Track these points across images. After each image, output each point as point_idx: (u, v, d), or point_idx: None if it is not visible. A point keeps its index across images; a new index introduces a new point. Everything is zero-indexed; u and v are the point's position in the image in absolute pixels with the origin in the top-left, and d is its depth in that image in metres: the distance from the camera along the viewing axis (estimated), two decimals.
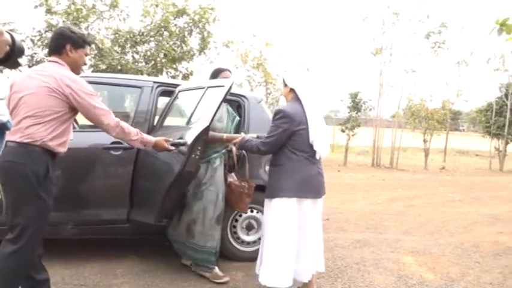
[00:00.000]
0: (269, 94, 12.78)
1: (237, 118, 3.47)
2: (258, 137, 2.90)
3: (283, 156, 2.66)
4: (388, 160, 13.71)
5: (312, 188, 2.65)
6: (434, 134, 14.09)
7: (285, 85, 2.80)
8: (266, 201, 2.76)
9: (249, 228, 3.60)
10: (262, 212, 3.39)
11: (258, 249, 3.09)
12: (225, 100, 3.06)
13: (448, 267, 3.79)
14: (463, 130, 50.64)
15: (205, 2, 10.78)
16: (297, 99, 2.72)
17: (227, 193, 3.21)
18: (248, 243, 3.60)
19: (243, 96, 3.85)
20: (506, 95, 15.26)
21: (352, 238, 4.51)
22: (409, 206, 6.68)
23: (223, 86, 3.05)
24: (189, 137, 2.89)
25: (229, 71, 3.43)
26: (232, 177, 3.28)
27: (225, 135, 3.11)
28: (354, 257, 3.91)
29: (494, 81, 16.02)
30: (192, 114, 3.20)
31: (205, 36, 10.94)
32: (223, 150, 3.26)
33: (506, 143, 15.26)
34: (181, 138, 2.96)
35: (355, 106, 13.48)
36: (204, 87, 3.27)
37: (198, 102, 3.19)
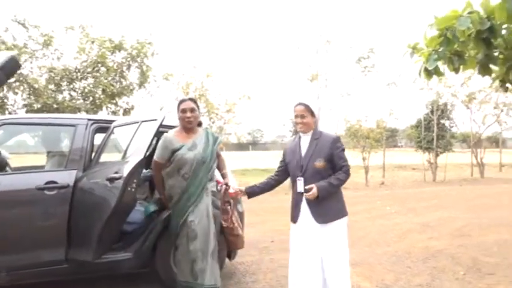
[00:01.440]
0: (213, 123, 12.97)
1: (219, 139, 3.45)
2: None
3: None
4: None
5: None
6: (372, 152, 14.92)
7: (313, 115, 2.94)
8: (340, 221, 2.82)
9: None
10: None
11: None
12: (158, 133, 3.18)
13: (383, 274, 4.07)
14: (401, 146, 53.82)
15: (143, 37, 10.93)
16: (315, 126, 2.97)
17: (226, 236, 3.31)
18: None
19: (174, 127, 3.97)
20: (432, 111, 16.57)
21: None
22: (350, 222, 6.99)
23: (156, 119, 3.17)
24: (125, 171, 2.96)
25: (189, 100, 3.36)
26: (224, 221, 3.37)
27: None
28: None
29: (422, 100, 17.43)
30: (127, 149, 3.28)
31: (144, 70, 11.02)
32: (211, 186, 3.25)
33: (436, 156, 16.47)
34: (117, 172, 3.03)
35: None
36: (138, 122, 3.38)
37: (133, 137, 3.28)
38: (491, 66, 3.64)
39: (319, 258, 2.78)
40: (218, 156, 3.40)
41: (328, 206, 2.81)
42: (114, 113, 10.98)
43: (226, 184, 3.28)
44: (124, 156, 3.23)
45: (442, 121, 16.94)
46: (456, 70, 3.71)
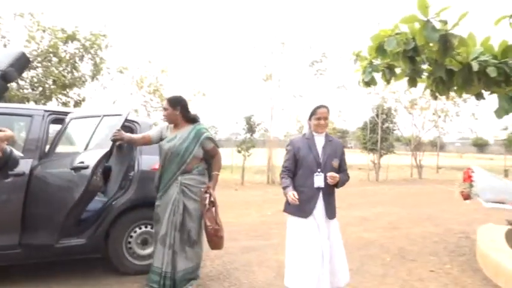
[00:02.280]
0: None
1: (203, 132, 3.48)
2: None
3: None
4: None
5: None
6: None
7: (310, 119, 3.15)
8: (335, 220, 3.09)
9: (144, 243, 3.89)
10: None
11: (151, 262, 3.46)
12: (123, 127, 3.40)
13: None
14: (351, 147, 55.99)
15: (97, 29, 10.80)
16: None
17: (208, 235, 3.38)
18: (143, 257, 3.87)
19: (135, 122, 4.19)
20: (377, 115, 17.59)
21: (242, 245, 5.04)
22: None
23: (120, 114, 3.39)
24: (92, 161, 3.16)
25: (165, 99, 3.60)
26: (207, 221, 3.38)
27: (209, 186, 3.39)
28: (242, 260, 4.42)
29: (369, 103, 18.44)
30: (89, 141, 3.46)
31: (97, 63, 10.89)
32: (186, 179, 3.37)
33: (380, 157, 17.52)
34: (82, 162, 3.22)
35: (250, 128, 14.38)
36: (99, 116, 3.56)
37: (95, 129, 3.47)
38: (419, 78, 4.19)
39: (325, 252, 2.95)
40: (213, 156, 3.54)
41: (333, 204, 3.13)
42: (64, 104, 10.76)
43: (208, 187, 3.37)
44: (86, 148, 3.41)
45: (386, 124, 18.02)
46: (388, 81, 4.22)
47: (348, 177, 3.19)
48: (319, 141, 3.12)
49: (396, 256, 4.78)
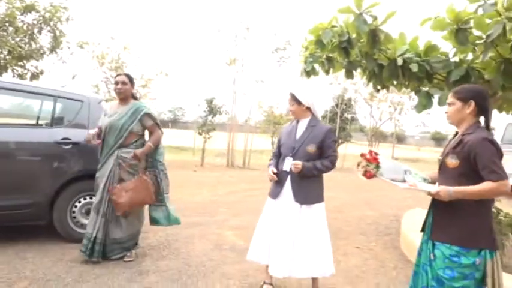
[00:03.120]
0: None
1: (142, 110, 3.66)
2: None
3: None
4: (242, 161, 15.13)
5: None
6: None
7: (299, 103, 3.06)
8: (319, 205, 3.03)
9: (88, 212, 4.08)
10: None
11: None
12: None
13: None
14: None
15: (58, 1, 10.55)
16: (312, 114, 3.13)
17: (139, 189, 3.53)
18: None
19: (85, 97, 4.32)
20: (337, 105, 18.18)
21: (188, 221, 5.29)
22: (246, 196, 7.82)
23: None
24: None
25: (120, 75, 3.78)
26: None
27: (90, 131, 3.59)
28: (184, 234, 4.69)
29: (330, 93, 18.98)
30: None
31: (57, 35, 10.66)
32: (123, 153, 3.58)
33: (338, 145, 18.16)
34: None
35: (211, 111, 14.54)
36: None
37: None
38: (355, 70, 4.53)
39: (294, 235, 2.94)
40: (152, 132, 3.74)
41: (308, 189, 2.99)
42: (20, 76, 10.52)
43: (134, 153, 3.54)
44: None
45: (346, 114, 18.67)
46: (327, 72, 4.54)
47: (328, 163, 3.01)
48: (301, 127, 3.12)
49: (332, 235, 5.17)
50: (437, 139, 52.70)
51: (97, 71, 12.57)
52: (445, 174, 2.18)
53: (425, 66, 3.90)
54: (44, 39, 10.69)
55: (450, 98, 2.22)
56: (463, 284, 2.03)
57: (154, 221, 3.82)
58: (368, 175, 2.35)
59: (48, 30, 10.63)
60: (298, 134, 3.09)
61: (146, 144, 3.69)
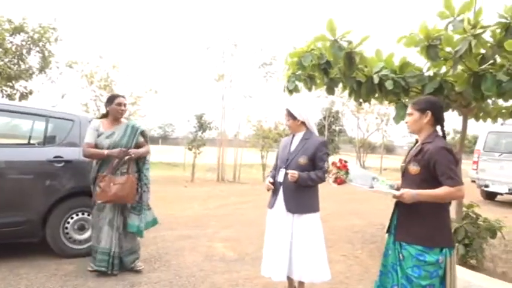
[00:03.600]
0: None
1: (138, 128, 3.93)
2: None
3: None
4: (232, 175, 15.27)
5: None
6: (271, 151, 16.24)
7: (294, 118, 3.27)
8: (311, 215, 3.17)
9: (80, 228, 4.19)
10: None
11: (89, 246, 3.91)
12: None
13: (246, 247, 4.98)
14: None
15: (46, 21, 10.73)
16: (307, 128, 3.34)
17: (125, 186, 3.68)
18: (80, 241, 4.18)
19: (76, 116, 4.48)
20: (324, 118, 18.49)
21: (178, 234, 5.42)
22: (236, 209, 7.96)
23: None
24: None
25: (123, 96, 3.98)
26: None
27: (106, 151, 3.66)
28: (175, 247, 4.81)
29: (318, 106, 19.34)
30: None
31: (46, 56, 10.82)
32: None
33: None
34: None
35: (201, 126, 14.71)
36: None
37: None
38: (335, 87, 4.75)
39: (289, 243, 3.12)
40: (140, 147, 3.91)
41: (300, 199, 3.14)
42: (9, 96, 10.62)
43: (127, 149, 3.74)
44: None
45: (334, 127, 18.99)
46: (309, 89, 4.76)
47: (322, 175, 3.13)
48: (296, 140, 3.31)
49: None
50: None
51: (86, 90, 12.70)
52: (407, 179, 2.39)
53: (400, 82, 4.14)
54: (33, 60, 10.87)
55: (409, 109, 2.45)
56: (430, 282, 2.22)
57: (129, 227, 3.86)
58: (339, 181, 2.54)
59: (37, 51, 10.81)
60: (293, 147, 3.29)
61: (142, 148, 3.91)
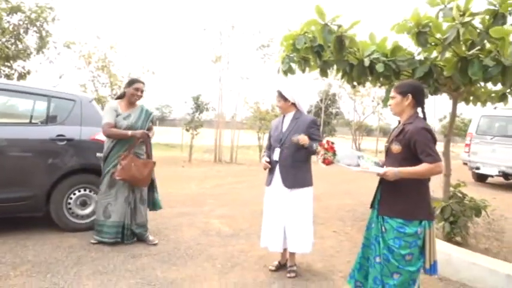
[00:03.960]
0: (115, 95, 13.12)
1: (152, 114, 4.23)
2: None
3: (308, 153, 3.42)
4: (229, 156, 15.46)
5: None
6: (267, 133, 16.40)
7: (285, 100, 3.48)
8: (306, 189, 3.43)
9: (83, 204, 4.37)
10: (94, 191, 4.29)
11: (91, 221, 4.15)
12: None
13: (241, 223, 5.20)
14: None
15: (43, 1, 10.70)
16: (297, 109, 3.54)
17: (143, 169, 3.94)
18: (82, 216, 4.37)
19: (77, 96, 4.61)
20: (321, 100, 18.61)
21: (177, 211, 5.63)
22: (232, 189, 8.17)
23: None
24: None
25: (142, 82, 4.15)
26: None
27: (129, 132, 3.86)
28: (173, 223, 5.01)
29: (315, 88, 19.43)
30: None
31: (43, 36, 10.82)
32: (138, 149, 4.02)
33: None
34: None
35: (198, 108, 14.81)
36: None
37: None
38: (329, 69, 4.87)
39: (285, 216, 3.39)
40: (150, 129, 4.18)
41: (296, 175, 3.39)
42: (7, 76, 10.67)
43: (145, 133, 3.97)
44: None
45: (330, 109, 19.12)
46: (303, 71, 4.89)
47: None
48: (287, 120, 3.53)
49: None
50: None
51: (84, 71, 12.73)
52: (390, 158, 2.57)
53: (391, 65, 4.28)
54: (31, 40, 10.87)
55: (392, 93, 2.62)
56: (409, 251, 2.43)
57: (157, 206, 4.34)
58: (326, 162, 2.72)
59: (35, 31, 10.80)
60: (285, 127, 3.50)
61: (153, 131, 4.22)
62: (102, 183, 3.98)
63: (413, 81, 2.75)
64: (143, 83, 4.15)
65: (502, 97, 4.88)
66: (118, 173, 3.83)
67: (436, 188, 6.38)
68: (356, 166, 2.71)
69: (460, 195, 4.84)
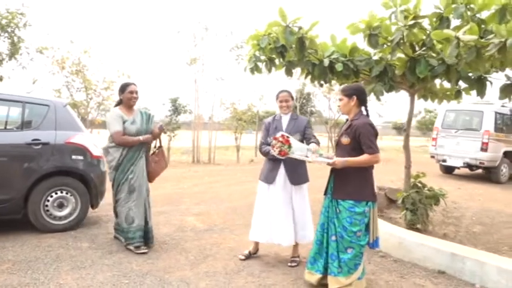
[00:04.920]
0: (90, 99, 13.10)
1: (152, 115, 4.30)
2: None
3: None
4: (207, 157, 15.65)
5: None
6: (244, 133, 16.67)
7: (292, 99, 3.84)
8: (306, 184, 3.78)
9: (60, 206, 4.53)
10: (71, 192, 4.46)
11: (68, 222, 4.36)
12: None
13: (215, 219, 5.45)
14: None
15: (14, 6, 10.66)
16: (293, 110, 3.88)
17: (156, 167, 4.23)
18: (60, 218, 4.53)
19: (51, 101, 4.76)
20: (296, 99, 18.97)
21: (153, 211, 5.77)
22: (209, 188, 8.39)
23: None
24: None
25: (134, 84, 4.15)
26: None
27: (141, 138, 3.96)
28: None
29: (290, 87, 19.75)
30: None
31: (15, 42, 10.78)
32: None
33: None
34: None
35: (175, 110, 14.95)
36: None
37: None
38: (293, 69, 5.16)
39: (291, 211, 3.68)
40: (161, 129, 4.27)
41: (299, 172, 3.70)
42: None
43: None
44: None
45: (305, 108, 19.50)
46: (269, 70, 5.16)
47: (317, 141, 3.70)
48: (285, 120, 3.80)
49: None
50: (398, 128, 54.72)
51: (58, 76, 12.67)
52: (340, 149, 2.97)
53: (349, 64, 4.60)
54: (2, 46, 10.80)
55: (340, 95, 2.98)
56: (359, 228, 2.86)
57: None
58: (282, 153, 3.04)
59: (6, 37, 10.74)
60: (284, 126, 3.78)
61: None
62: (120, 190, 3.98)
63: (356, 84, 3.15)
64: (135, 84, 4.15)
65: (456, 94, 5.27)
66: (158, 173, 4.24)
67: (400, 179, 6.75)
68: (305, 157, 3.05)
69: (420, 185, 5.20)
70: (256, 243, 3.95)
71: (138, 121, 4.08)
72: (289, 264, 3.77)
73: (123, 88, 4.09)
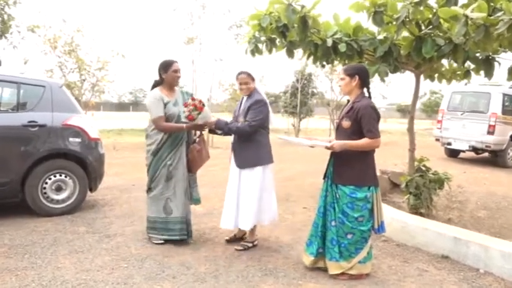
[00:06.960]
0: (84, 80, 12.81)
1: (192, 94, 3.95)
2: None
3: (259, 134, 3.56)
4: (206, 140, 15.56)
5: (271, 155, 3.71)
6: None
7: (253, 80, 3.61)
8: (257, 168, 3.54)
9: (58, 189, 4.46)
10: (69, 176, 4.39)
11: (66, 205, 4.31)
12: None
13: (215, 203, 5.40)
14: (279, 112, 57.82)
15: None
16: (255, 89, 3.64)
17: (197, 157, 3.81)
18: (57, 201, 4.47)
19: (46, 82, 4.64)
20: (297, 80, 18.73)
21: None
22: (208, 171, 8.21)
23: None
24: None
25: (177, 62, 3.77)
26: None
27: (184, 126, 3.55)
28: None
29: (291, 68, 19.47)
30: None
31: (5, 20, 10.51)
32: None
33: (300, 120, 18.85)
34: None
35: None
36: None
37: None
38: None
39: (237, 194, 3.60)
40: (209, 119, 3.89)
41: (245, 155, 3.56)
42: None
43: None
44: None
45: (307, 89, 19.26)
46: (270, 51, 5.00)
47: (244, 127, 3.49)
48: (244, 101, 3.70)
49: (281, 199, 5.77)
50: (402, 111, 53.85)
51: (50, 56, 12.34)
52: (340, 132, 2.85)
53: (353, 45, 4.46)
54: None
55: (341, 74, 2.85)
56: (361, 214, 2.76)
57: (196, 201, 4.09)
58: (190, 117, 2.99)
59: None
60: (241, 107, 3.69)
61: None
62: (156, 178, 3.70)
63: (359, 64, 3.03)
64: (177, 62, 3.77)
65: (465, 74, 5.12)
66: (201, 163, 3.89)
67: (404, 163, 6.69)
68: (299, 140, 2.98)
69: (424, 169, 5.09)
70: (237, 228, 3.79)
71: (180, 102, 3.71)
72: (235, 247, 3.68)
73: (166, 66, 3.69)
